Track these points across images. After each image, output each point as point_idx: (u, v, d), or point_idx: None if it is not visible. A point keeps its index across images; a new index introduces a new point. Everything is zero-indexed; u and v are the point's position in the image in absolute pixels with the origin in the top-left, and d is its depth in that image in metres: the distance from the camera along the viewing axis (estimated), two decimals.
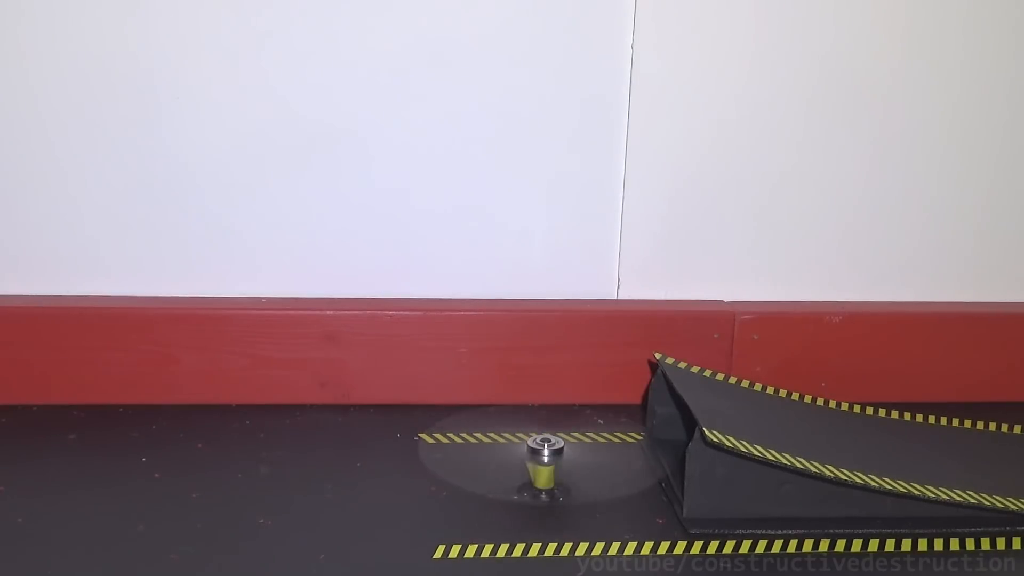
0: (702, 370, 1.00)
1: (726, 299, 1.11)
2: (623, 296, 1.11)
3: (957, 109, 1.08)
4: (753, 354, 1.08)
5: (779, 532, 0.85)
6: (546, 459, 0.89)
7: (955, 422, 1.04)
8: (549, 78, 1.04)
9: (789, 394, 1.02)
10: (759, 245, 1.11)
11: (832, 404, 1.03)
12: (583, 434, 1.02)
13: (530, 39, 1.03)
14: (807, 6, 1.04)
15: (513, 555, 0.81)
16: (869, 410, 1.04)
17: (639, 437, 1.02)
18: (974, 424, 1.04)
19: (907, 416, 1.04)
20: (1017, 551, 0.84)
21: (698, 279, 1.11)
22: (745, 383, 1.01)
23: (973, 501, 0.85)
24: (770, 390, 1.01)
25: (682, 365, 0.99)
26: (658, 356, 0.99)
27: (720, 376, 1.01)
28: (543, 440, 0.90)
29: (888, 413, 1.04)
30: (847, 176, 1.09)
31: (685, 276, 1.11)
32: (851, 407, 1.03)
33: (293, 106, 1.03)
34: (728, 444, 0.81)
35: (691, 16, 1.03)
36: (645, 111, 1.05)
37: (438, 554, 0.81)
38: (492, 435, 1.01)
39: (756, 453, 0.82)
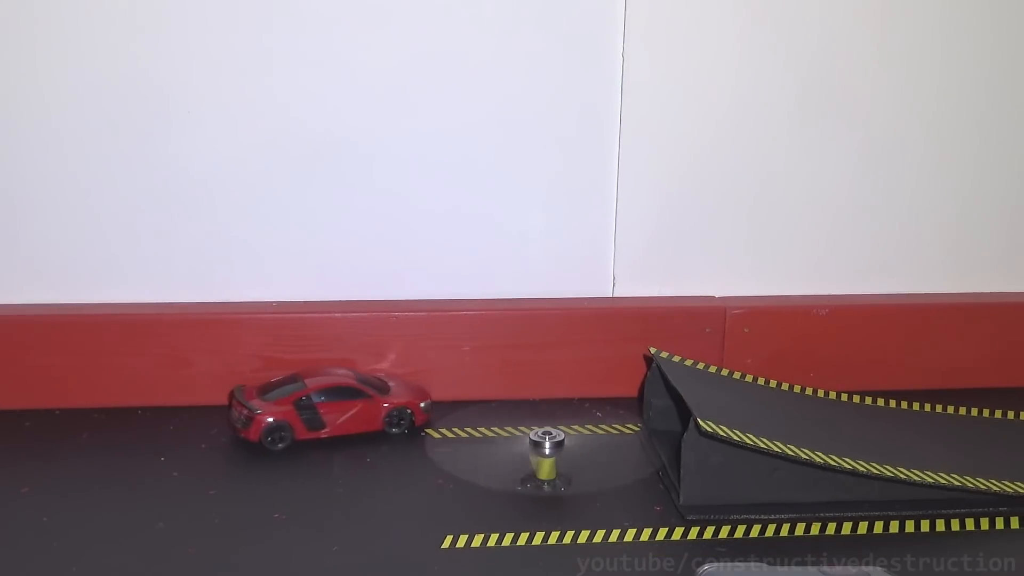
0: (695, 363, 1.01)
1: (717, 295, 1.12)
2: (619, 294, 1.12)
3: (936, 110, 1.09)
4: (744, 347, 1.09)
5: (772, 516, 0.86)
6: (548, 451, 0.91)
7: (938, 408, 1.05)
8: (544, 88, 1.05)
9: (779, 384, 1.03)
10: (748, 243, 1.12)
11: (820, 393, 1.04)
12: (583, 426, 1.03)
13: (525, 50, 1.04)
14: (791, 13, 1.05)
15: (518, 543, 0.83)
16: (856, 398, 1.05)
17: (636, 428, 1.03)
18: (956, 410, 1.05)
19: (892, 403, 1.05)
20: (1000, 531, 0.85)
21: (690, 276, 1.12)
22: (736, 375, 1.03)
23: (956, 483, 0.86)
24: (760, 381, 1.03)
25: (676, 359, 1.00)
26: (653, 351, 1.00)
27: (712, 368, 1.02)
28: (544, 433, 0.92)
29: (874, 401, 1.05)
30: (832, 175, 1.10)
31: (678, 273, 1.12)
32: (839, 396, 1.05)
33: (299, 118, 1.04)
34: (722, 433, 0.83)
35: (679, 25, 1.04)
36: (636, 117, 1.06)
37: (446, 544, 0.82)
38: (496, 429, 1.02)
39: (748, 441, 0.83)
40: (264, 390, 0.99)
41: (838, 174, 1.11)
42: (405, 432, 1.00)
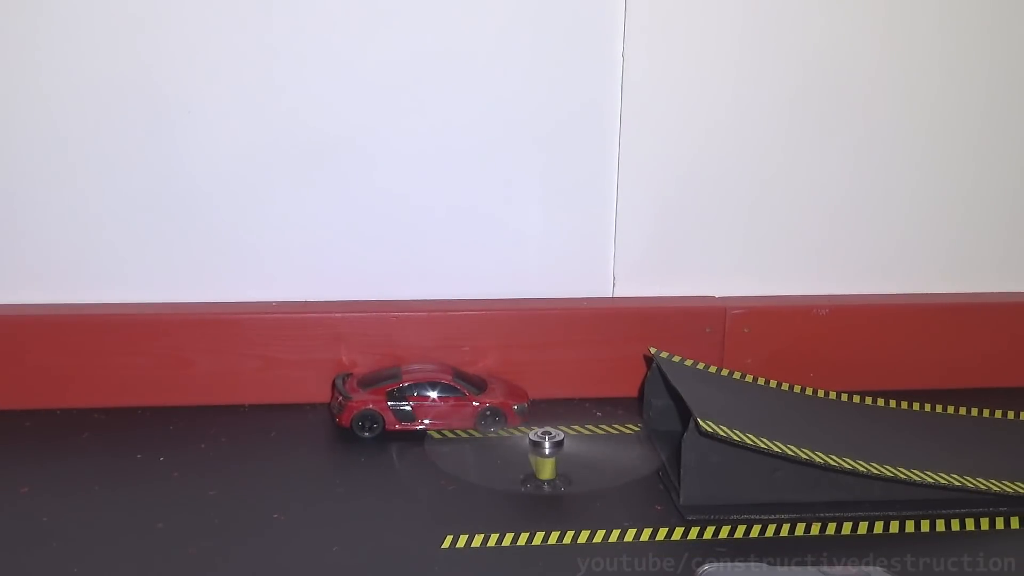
0: (695, 363, 1.01)
1: (717, 295, 1.12)
2: (619, 294, 1.12)
3: (934, 111, 1.09)
4: (744, 347, 1.09)
5: (772, 516, 0.86)
6: (547, 451, 0.91)
7: (938, 408, 1.05)
8: (544, 87, 1.05)
9: (779, 384, 1.03)
10: (748, 243, 1.12)
11: (820, 393, 1.04)
12: (582, 426, 1.03)
13: (525, 50, 1.04)
14: (791, 13, 1.05)
15: (518, 543, 0.83)
16: (856, 398, 1.05)
17: (636, 428, 1.03)
18: (956, 410, 1.05)
19: (892, 403, 1.05)
20: (1000, 531, 0.85)
21: (690, 276, 1.12)
22: (736, 375, 1.03)
23: (957, 484, 0.86)
24: (760, 381, 1.03)
25: (676, 359, 1.00)
26: (652, 351, 1.01)
27: (712, 368, 1.02)
28: (544, 433, 0.92)
29: (874, 401, 1.05)
30: (831, 175, 1.10)
31: (678, 273, 1.12)
32: (839, 395, 1.05)
33: (299, 118, 1.04)
34: (722, 433, 0.83)
35: (679, 25, 1.04)
36: (636, 117, 1.06)
37: (446, 544, 0.82)
38: (495, 429, 1.02)
39: (748, 441, 0.83)
40: (364, 380, 1.03)
41: (838, 174, 1.11)
42: (498, 432, 1.02)
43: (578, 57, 1.05)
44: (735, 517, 0.86)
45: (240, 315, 1.06)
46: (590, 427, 1.04)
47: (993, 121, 1.11)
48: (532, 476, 0.92)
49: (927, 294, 1.14)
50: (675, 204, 1.10)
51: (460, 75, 1.05)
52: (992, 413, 1.06)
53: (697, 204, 1.10)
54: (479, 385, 1.03)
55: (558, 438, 0.92)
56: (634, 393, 1.09)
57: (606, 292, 1.12)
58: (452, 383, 1.02)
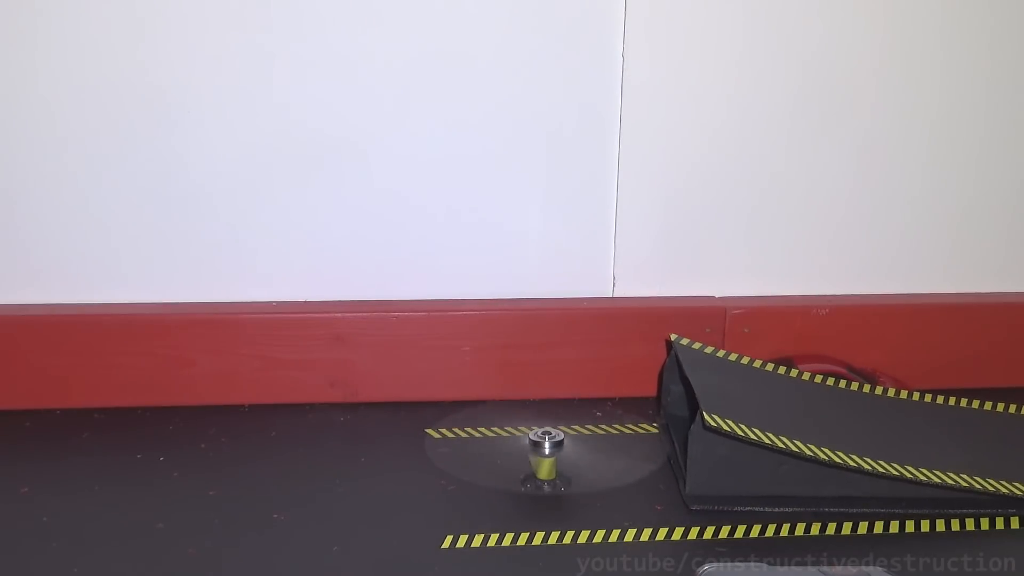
0: (715, 350, 1.00)
1: (717, 295, 1.12)
2: (619, 294, 1.12)
3: (936, 114, 1.09)
4: (744, 347, 1.08)
5: (776, 510, 0.87)
6: (547, 451, 0.91)
7: (963, 402, 1.03)
8: (543, 89, 1.05)
9: (800, 374, 1.02)
10: (748, 242, 1.11)
11: (842, 384, 1.03)
12: (582, 426, 1.03)
13: (524, 52, 1.04)
14: (793, 13, 1.05)
15: (518, 543, 0.83)
16: (879, 390, 1.04)
17: (636, 428, 1.03)
18: (982, 405, 1.03)
19: (927, 398, 1.03)
20: (1000, 531, 0.85)
21: (691, 276, 1.12)
22: (757, 363, 1.01)
23: (965, 485, 0.86)
24: (781, 370, 1.01)
25: (696, 345, 1.00)
26: (673, 337, 1.01)
27: (732, 356, 1.01)
28: (544, 433, 0.92)
29: (897, 394, 1.04)
30: (832, 177, 1.10)
31: (678, 273, 1.12)
32: (860, 387, 1.03)
33: (299, 119, 1.04)
34: (726, 428, 0.83)
35: (679, 27, 1.04)
36: (636, 118, 1.06)
37: (446, 544, 0.83)
38: (495, 429, 1.03)
39: (752, 437, 0.84)
40: None
41: (839, 174, 1.10)
42: None
43: (578, 58, 1.05)
44: (739, 509, 0.87)
45: (240, 315, 1.05)
46: (589, 427, 1.04)
47: (994, 122, 1.10)
48: (532, 476, 0.93)
49: (927, 294, 1.14)
50: (675, 204, 1.10)
51: (460, 76, 1.05)
52: (1007, 408, 1.03)
53: (697, 204, 1.10)
54: (870, 378, 1.05)
55: (558, 438, 0.92)
56: (634, 393, 1.09)
57: (606, 292, 1.12)
58: (847, 375, 1.04)
